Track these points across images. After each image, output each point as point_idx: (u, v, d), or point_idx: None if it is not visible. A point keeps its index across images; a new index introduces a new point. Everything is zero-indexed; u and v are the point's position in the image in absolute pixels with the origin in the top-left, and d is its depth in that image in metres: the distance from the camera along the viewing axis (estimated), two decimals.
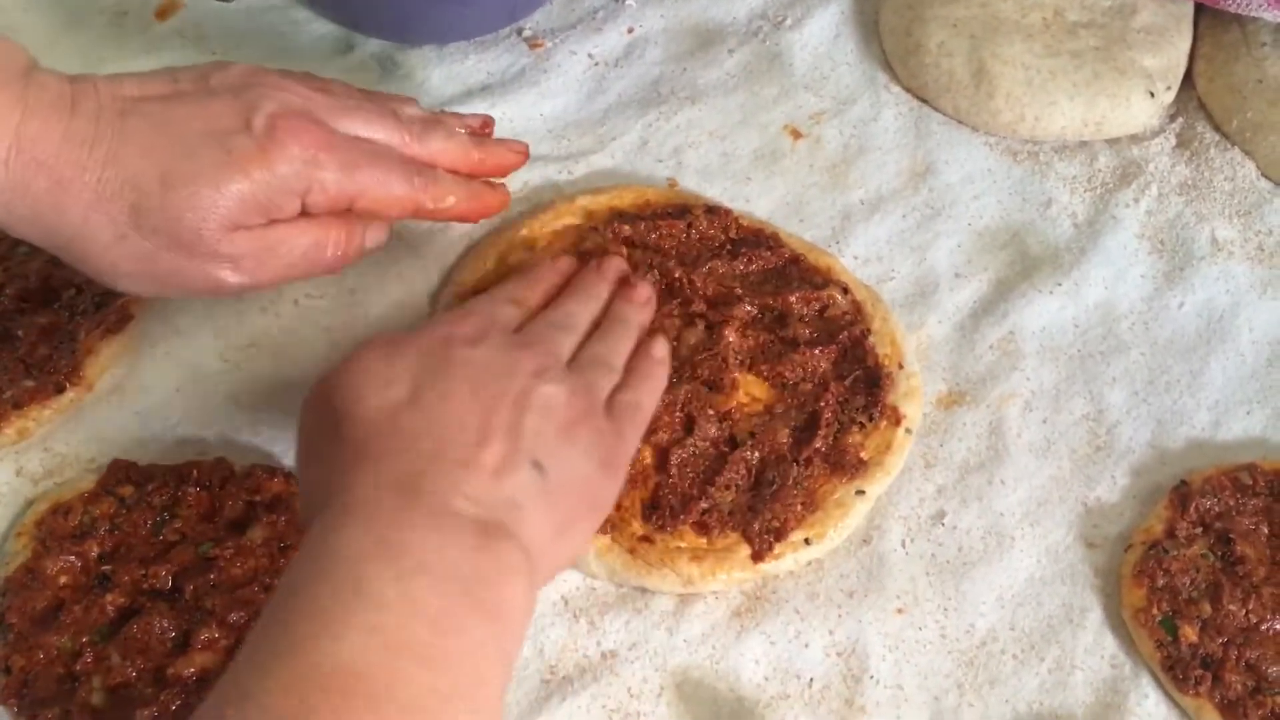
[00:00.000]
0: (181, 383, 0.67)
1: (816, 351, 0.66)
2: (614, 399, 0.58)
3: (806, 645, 0.61)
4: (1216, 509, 0.64)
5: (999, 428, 0.67)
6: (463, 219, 0.65)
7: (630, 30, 0.83)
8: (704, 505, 0.61)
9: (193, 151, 0.54)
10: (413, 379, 0.52)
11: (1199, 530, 0.63)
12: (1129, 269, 0.74)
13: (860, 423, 0.65)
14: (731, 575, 0.61)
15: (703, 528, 0.61)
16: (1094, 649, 0.61)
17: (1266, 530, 0.63)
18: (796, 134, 0.79)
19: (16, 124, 0.53)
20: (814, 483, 0.63)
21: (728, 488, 0.62)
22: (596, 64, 0.81)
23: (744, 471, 0.63)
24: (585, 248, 0.69)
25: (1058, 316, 0.72)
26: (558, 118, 0.79)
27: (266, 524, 0.60)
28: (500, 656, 0.46)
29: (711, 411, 0.64)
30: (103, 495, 0.61)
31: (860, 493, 0.63)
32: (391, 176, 0.60)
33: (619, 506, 0.61)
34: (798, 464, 0.63)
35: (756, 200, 0.75)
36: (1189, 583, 0.61)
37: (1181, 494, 0.64)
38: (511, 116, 0.77)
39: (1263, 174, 0.78)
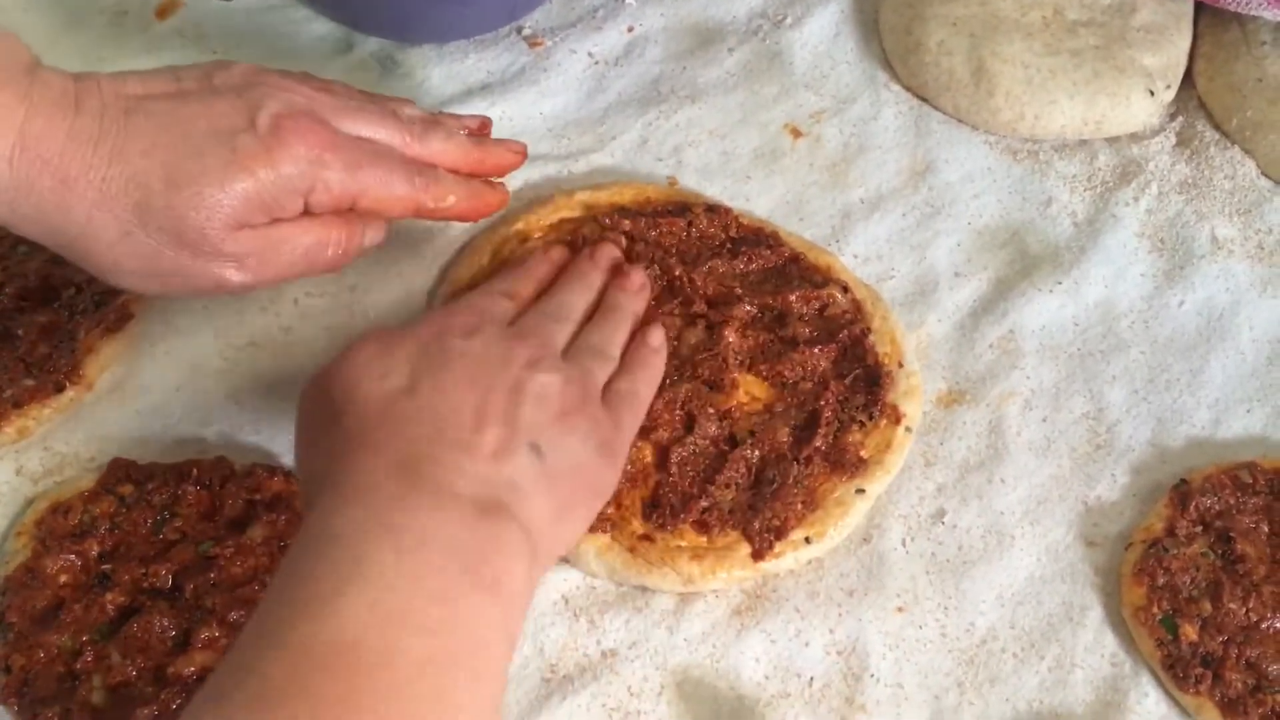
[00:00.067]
0: (181, 381, 0.67)
1: (816, 350, 0.66)
2: (610, 387, 0.58)
3: (807, 644, 0.61)
4: (1217, 507, 0.64)
5: (999, 426, 0.67)
6: (463, 218, 0.65)
7: (630, 29, 0.83)
8: (704, 504, 0.61)
9: (198, 150, 0.54)
10: (409, 370, 0.52)
11: (1199, 529, 0.63)
12: (1129, 267, 0.74)
13: (860, 421, 0.65)
14: (732, 574, 0.61)
15: (703, 526, 0.61)
16: (1094, 647, 0.61)
17: (1267, 529, 0.63)
18: (796, 133, 0.79)
19: (21, 121, 0.53)
20: (814, 481, 0.63)
21: (728, 486, 0.62)
22: (596, 63, 0.81)
23: (744, 470, 0.63)
24: (582, 234, 0.69)
25: (1058, 315, 0.72)
26: (558, 116, 0.79)
27: (267, 523, 0.60)
28: (501, 630, 0.46)
29: (712, 410, 0.64)
30: (103, 494, 0.61)
31: (860, 491, 0.63)
32: (394, 176, 0.60)
33: (619, 505, 0.61)
34: (798, 463, 0.63)
35: (756, 199, 0.75)
36: (1189, 581, 0.61)
37: (1182, 492, 0.64)
38: (511, 115, 0.77)
39: (1263, 172, 0.78)
